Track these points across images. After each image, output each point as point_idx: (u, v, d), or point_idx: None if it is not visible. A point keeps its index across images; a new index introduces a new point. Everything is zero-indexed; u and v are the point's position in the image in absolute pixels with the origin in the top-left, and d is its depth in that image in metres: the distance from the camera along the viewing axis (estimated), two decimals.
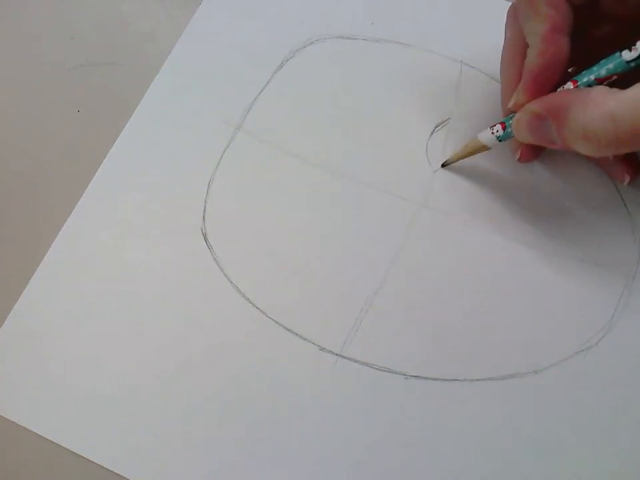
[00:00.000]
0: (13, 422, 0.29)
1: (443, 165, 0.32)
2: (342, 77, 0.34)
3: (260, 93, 0.34)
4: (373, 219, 0.32)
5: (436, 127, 0.33)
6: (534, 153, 0.31)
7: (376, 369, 0.29)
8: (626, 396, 0.29)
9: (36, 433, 0.29)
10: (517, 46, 0.29)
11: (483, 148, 0.30)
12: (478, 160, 0.32)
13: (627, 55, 0.24)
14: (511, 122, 0.28)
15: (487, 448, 0.28)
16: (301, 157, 0.33)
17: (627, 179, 0.30)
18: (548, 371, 0.29)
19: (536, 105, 0.26)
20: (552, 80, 0.27)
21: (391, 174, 0.32)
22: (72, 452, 0.29)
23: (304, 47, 0.35)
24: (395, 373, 0.29)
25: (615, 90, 0.24)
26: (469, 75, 0.34)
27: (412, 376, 0.29)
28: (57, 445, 0.29)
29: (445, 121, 0.33)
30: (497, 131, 0.29)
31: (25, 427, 0.29)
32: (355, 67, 0.34)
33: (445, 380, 0.29)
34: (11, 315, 0.31)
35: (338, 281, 0.31)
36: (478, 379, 0.29)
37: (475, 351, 0.30)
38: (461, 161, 0.32)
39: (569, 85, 0.26)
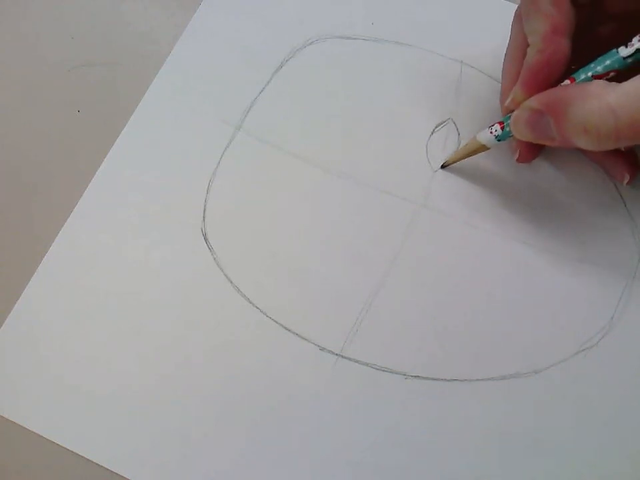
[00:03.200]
0: (13, 422, 0.29)
1: (443, 167, 0.32)
2: (342, 77, 0.34)
3: (260, 93, 0.34)
4: (373, 219, 0.32)
5: (436, 127, 0.33)
6: (532, 152, 0.31)
7: (376, 369, 0.29)
8: (626, 396, 0.29)
9: (36, 433, 0.29)
10: (519, 45, 0.29)
11: (482, 148, 0.30)
12: (478, 160, 0.32)
13: (623, 52, 0.25)
14: (509, 121, 0.28)
15: (487, 448, 0.28)
16: (301, 157, 0.33)
17: (627, 178, 0.30)
18: (548, 371, 0.29)
19: (534, 101, 0.26)
20: (550, 78, 0.27)
21: (391, 174, 0.32)
22: (72, 452, 0.29)
23: (304, 47, 0.35)
24: (395, 373, 0.29)
25: (613, 83, 0.24)
26: (469, 75, 0.34)
27: (412, 376, 0.29)
28: (57, 444, 0.29)
29: (445, 121, 0.33)
30: (496, 131, 0.29)
31: (24, 427, 0.29)
32: (355, 67, 0.34)
33: (445, 380, 0.29)
34: (11, 315, 0.31)
35: (338, 281, 0.31)
36: (478, 379, 0.29)
37: (475, 351, 0.30)
38: (461, 161, 0.32)
39: (566, 82, 0.26)
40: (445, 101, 0.34)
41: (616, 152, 0.30)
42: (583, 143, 0.25)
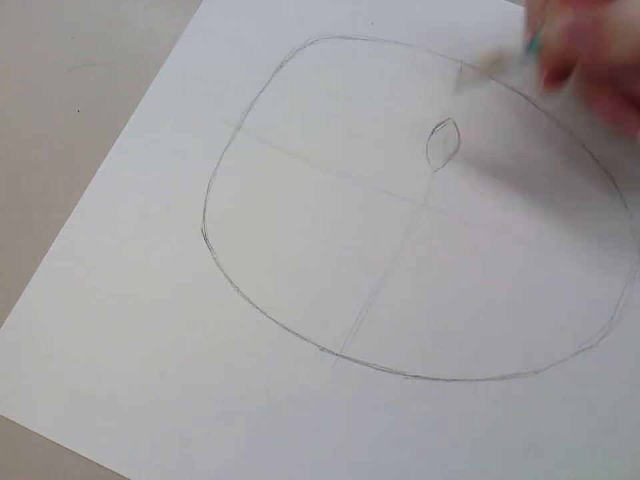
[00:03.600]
0: (13, 422, 0.29)
1: (461, 84, 0.32)
2: (342, 77, 0.34)
3: (260, 93, 0.34)
4: (373, 219, 0.32)
5: (436, 127, 0.33)
6: (559, 79, 0.29)
7: (376, 368, 0.29)
8: (626, 396, 0.29)
9: (36, 433, 0.29)
10: None
11: (502, 63, 0.29)
12: (478, 160, 0.32)
13: None
14: (544, 27, 0.27)
15: (487, 448, 0.28)
16: (301, 157, 0.33)
17: None
18: (548, 371, 0.29)
19: (570, 14, 0.26)
20: None
21: (391, 174, 0.32)
22: (72, 452, 0.29)
23: (304, 47, 0.35)
24: (395, 373, 0.29)
25: None
26: (469, 74, 0.34)
27: (412, 376, 0.29)
28: (57, 444, 0.29)
29: (444, 121, 0.33)
30: (524, 42, 0.28)
31: (24, 427, 0.29)
32: (355, 67, 0.34)
33: (445, 380, 0.29)
34: (11, 315, 0.31)
35: (338, 281, 0.31)
36: (478, 379, 0.29)
37: (475, 351, 0.30)
38: (461, 160, 0.32)
39: None
40: (445, 101, 0.34)
41: (629, 106, 0.29)
42: (621, 48, 0.24)
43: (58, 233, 0.32)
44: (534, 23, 0.28)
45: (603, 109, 0.31)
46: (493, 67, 0.30)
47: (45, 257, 0.31)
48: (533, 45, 0.28)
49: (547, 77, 0.29)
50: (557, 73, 0.29)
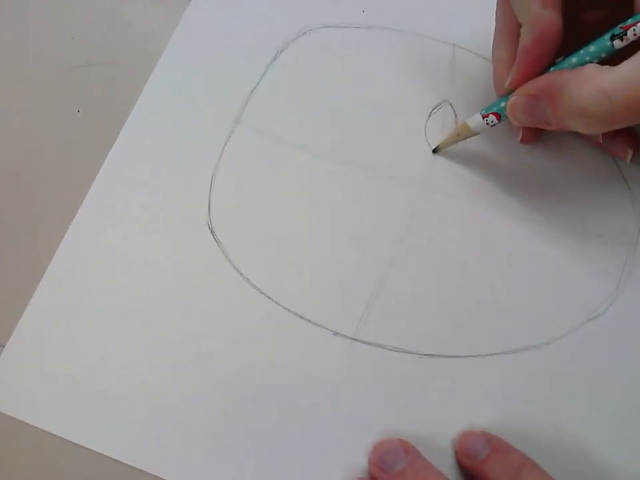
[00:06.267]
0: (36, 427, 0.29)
1: (434, 151, 0.33)
2: (336, 65, 0.34)
3: (256, 85, 0.34)
4: (377, 204, 0.32)
5: (432, 110, 0.33)
6: (535, 132, 0.31)
7: (390, 349, 0.30)
8: (637, 360, 0.29)
9: (56, 435, 0.29)
10: (507, 27, 0.29)
11: (472, 133, 0.31)
12: (477, 140, 0.32)
13: (618, 45, 0.25)
14: (506, 104, 0.28)
15: (504, 421, 0.29)
16: (301, 146, 0.33)
17: (630, 153, 0.30)
18: (559, 341, 0.30)
19: (530, 87, 0.27)
20: (546, 55, 0.27)
21: (391, 158, 0.33)
22: (89, 449, 0.29)
23: (297, 38, 0.35)
24: (409, 353, 0.30)
25: (606, 67, 0.24)
26: (462, 56, 0.34)
27: (425, 355, 0.30)
28: (79, 445, 0.29)
29: (440, 104, 0.34)
30: (492, 121, 0.29)
31: (40, 428, 0.29)
32: (349, 55, 0.35)
33: (459, 357, 0.30)
34: (22, 318, 0.30)
35: (347, 265, 0.31)
36: (491, 354, 0.30)
37: (486, 326, 0.30)
38: (460, 142, 0.32)
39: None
40: (440, 83, 0.34)
41: (615, 131, 0.30)
42: (578, 126, 0.25)
43: (63, 234, 0.32)
44: (501, 83, 0.29)
45: (589, 137, 0.31)
46: (464, 139, 0.31)
47: (53, 258, 0.31)
48: (500, 122, 0.29)
49: (524, 135, 0.31)
50: (531, 130, 0.31)
